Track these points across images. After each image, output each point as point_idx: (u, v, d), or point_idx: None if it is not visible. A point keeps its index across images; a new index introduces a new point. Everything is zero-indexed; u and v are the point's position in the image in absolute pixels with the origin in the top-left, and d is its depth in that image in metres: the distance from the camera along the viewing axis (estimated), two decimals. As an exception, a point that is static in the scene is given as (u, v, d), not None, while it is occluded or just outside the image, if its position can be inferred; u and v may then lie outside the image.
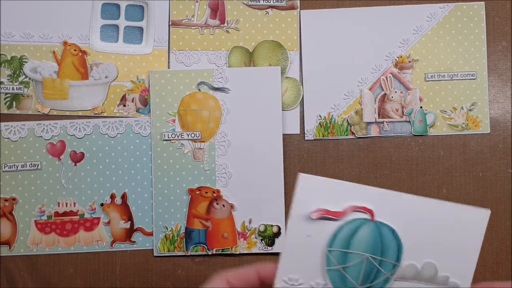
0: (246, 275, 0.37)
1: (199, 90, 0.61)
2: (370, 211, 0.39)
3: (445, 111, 0.62)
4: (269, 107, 0.60)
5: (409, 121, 0.61)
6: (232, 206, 0.60)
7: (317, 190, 0.39)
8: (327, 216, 0.39)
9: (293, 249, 0.39)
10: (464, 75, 0.61)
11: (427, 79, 0.62)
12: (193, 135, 0.60)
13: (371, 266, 0.39)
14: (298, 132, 0.62)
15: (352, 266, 0.40)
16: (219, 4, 0.62)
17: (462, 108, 0.61)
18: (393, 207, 0.39)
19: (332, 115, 0.62)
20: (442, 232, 0.39)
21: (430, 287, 0.39)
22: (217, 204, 0.60)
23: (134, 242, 0.61)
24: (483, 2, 0.61)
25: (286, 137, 0.61)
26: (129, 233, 0.61)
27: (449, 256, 0.39)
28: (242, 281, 0.37)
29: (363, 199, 0.39)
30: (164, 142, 0.60)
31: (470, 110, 0.61)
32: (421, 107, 0.61)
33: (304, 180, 0.38)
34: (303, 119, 0.62)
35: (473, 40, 0.61)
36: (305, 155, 0.62)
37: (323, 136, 0.62)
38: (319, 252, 0.39)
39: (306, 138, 0.62)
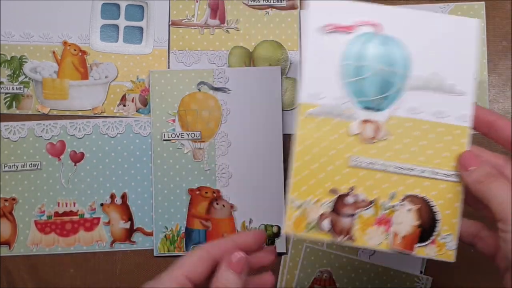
0: (224, 245, 0.42)
1: (199, 90, 0.61)
2: (377, 25, 0.43)
3: (446, 111, 0.61)
4: (270, 107, 0.60)
5: None
6: (232, 206, 0.60)
7: (328, 10, 0.43)
8: (338, 30, 0.43)
9: (311, 66, 0.43)
10: (465, 75, 0.61)
11: (427, 79, 0.61)
12: (193, 135, 0.60)
13: (384, 77, 0.43)
14: (298, 132, 0.62)
15: (367, 78, 0.43)
16: (219, 4, 0.62)
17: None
18: (398, 22, 0.43)
19: (332, 115, 0.61)
20: (442, 43, 0.44)
21: (438, 92, 0.44)
22: (217, 204, 0.60)
23: (134, 242, 0.61)
24: (483, 2, 0.61)
25: (286, 137, 0.61)
26: (129, 233, 0.61)
27: (450, 65, 0.43)
28: (221, 250, 0.41)
29: (370, 15, 0.43)
30: (164, 142, 0.60)
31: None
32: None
33: (315, 3, 0.42)
34: (303, 119, 0.62)
35: None
36: (305, 155, 0.62)
37: (323, 136, 0.61)
38: (335, 66, 0.43)
39: (306, 138, 0.62)
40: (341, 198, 0.44)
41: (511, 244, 0.37)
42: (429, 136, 0.44)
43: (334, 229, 0.44)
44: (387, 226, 0.44)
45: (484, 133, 0.44)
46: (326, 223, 0.44)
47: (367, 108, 0.44)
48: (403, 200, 0.44)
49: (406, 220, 0.44)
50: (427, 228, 0.44)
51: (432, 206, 0.44)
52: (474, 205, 0.43)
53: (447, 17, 0.46)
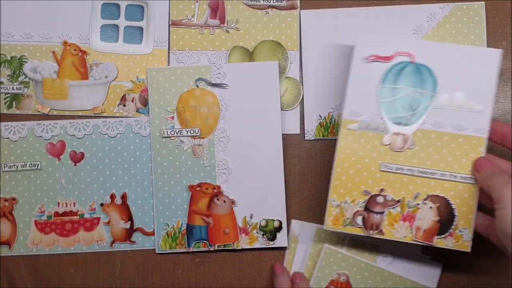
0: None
1: (197, 86, 0.61)
2: (411, 55, 0.54)
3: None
4: (268, 102, 0.60)
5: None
6: (233, 202, 0.60)
7: (373, 43, 0.54)
8: (378, 59, 0.54)
9: (354, 89, 0.54)
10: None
11: (428, 79, 0.62)
12: (192, 131, 0.60)
13: (414, 97, 0.54)
14: (298, 132, 0.62)
15: (399, 98, 0.54)
16: (219, 4, 0.62)
17: (463, 107, 0.62)
18: (429, 52, 0.54)
19: (332, 115, 0.61)
20: (466, 69, 0.53)
21: (459, 110, 0.53)
22: (218, 200, 0.60)
23: (134, 242, 0.61)
24: (483, 2, 0.61)
25: (286, 137, 0.61)
26: (129, 233, 0.61)
27: (472, 88, 0.53)
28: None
29: (406, 47, 0.54)
30: (163, 139, 0.60)
31: (471, 109, 0.62)
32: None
33: (363, 38, 0.54)
34: (303, 119, 0.62)
35: (473, 40, 0.61)
36: (305, 155, 0.62)
37: (323, 136, 0.61)
38: (374, 89, 0.54)
39: (306, 138, 0.62)
40: (372, 198, 0.54)
41: (505, 219, 0.45)
42: (450, 146, 0.53)
43: (366, 224, 0.54)
44: (412, 221, 0.53)
45: (499, 143, 0.53)
46: (359, 219, 0.54)
47: (398, 123, 0.54)
48: (425, 199, 0.53)
49: (428, 216, 0.53)
50: (445, 222, 0.53)
51: (450, 204, 0.53)
52: (488, 204, 0.52)
53: (472, 48, 0.57)
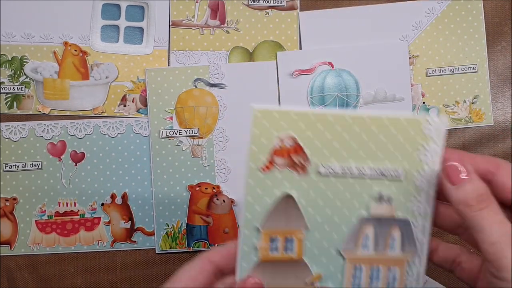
0: (228, 250, 0.38)
1: (196, 86, 0.61)
2: (330, 63, 0.60)
3: (448, 106, 0.62)
4: (266, 102, 0.60)
5: None
6: (232, 201, 0.60)
7: (292, 59, 0.60)
8: (303, 73, 0.60)
9: (287, 104, 0.57)
10: (465, 69, 0.62)
11: (428, 75, 0.62)
12: (191, 131, 0.60)
13: (342, 100, 0.59)
14: (298, 132, 0.62)
15: (329, 104, 0.59)
16: (219, 4, 0.62)
17: (464, 101, 0.62)
18: (345, 56, 0.59)
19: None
20: (381, 64, 0.59)
21: (384, 104, 0.58)
22: (217, 199, 0.60)
23: (135, 242, 0.61)
24: (480, -1, 0.62)
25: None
26: (130, 233, 0.61)
27: (390, 80, 0.59)
28: (226, 257, 0.38)
29: (323, 56, 0.60)
30: (162, 139, 0.61)
31: (472, 103, 0.62)
32: (423, 103, 0.62)
33: (282, 56, 0.60)
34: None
35: (472, 33, 0.62)
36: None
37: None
38: (305, 100, 0.60)
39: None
40: None
41: None
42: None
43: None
44: None
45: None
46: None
47: None
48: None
49: None
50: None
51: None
52: (451, 229, 0.39)
53: (380, 43, 0.61)
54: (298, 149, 0.38)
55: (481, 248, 0.32)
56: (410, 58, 0.62)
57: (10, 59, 0.62)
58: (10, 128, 0.61)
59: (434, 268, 0.41)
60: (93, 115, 0.62)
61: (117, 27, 0.63)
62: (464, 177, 0.33)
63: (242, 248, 0.37)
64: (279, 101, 0.61)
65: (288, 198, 0.38)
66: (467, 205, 0.33)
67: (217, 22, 0.62)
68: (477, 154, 0.37)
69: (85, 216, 0.61)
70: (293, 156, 0.37)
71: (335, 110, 0.40)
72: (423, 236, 0.37)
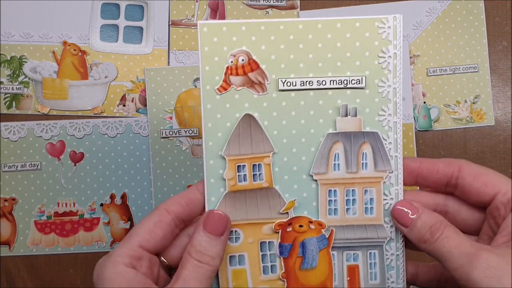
0: (186, 197, 0.36)
1: (195, 86, 0.61)
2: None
3: (449, 105, 0.62)
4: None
5: (413, 117, 0.61)
6: (231, 204, 0.60)
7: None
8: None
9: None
10: (466, 68, 0.61)
11: (429, 74, 0.62)
12: (190, 131, 0.60)
13: None
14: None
15: None
16: (219, 4, 0.62)
17: (465, 101, 0.62)
18: None
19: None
20: None
21: None
22: (217, 203, 0.60)
23: (134, 242, 0.61)
24: (481, -1, 0.61)
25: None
26: (129, 233, 0.61)
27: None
28: (184, 205, 0.36)
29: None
30: (162, 139, 0.60)
31: (473, 103, 0.61)
32: (424, 102, 0.61)
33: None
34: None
35: (473, 33, 0.61)
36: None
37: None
38: None
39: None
40: None
41: None
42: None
43: None
44: None
45: (413, 184, 0.38)
46: None
47: None
48: None
49: None
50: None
51: None
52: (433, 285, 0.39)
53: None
54: (253, 65, 0.35)
55: (454, 277, 0.32)
56: (410, 57, 0.62)
57: (9, 58, 0.61)
58: (9, 128, 0.61)
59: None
60: (92, 115, 0.61)
61: (116, 27, 0.62)
62: (413, 217, 0.34)
63: (208, 181, 0.35)
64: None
65: (250, 120, 0.35)
66: (423, 241, 0.33)
67: (217, 22, 0.62)
68: (437, 159, 0.37)
69: (84, 217, 0.61)
70: (249, 74, 0.35)
71: (286, 19, 0.35)
72: (396, 152, 0.36)
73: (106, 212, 0.61)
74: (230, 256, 0.36)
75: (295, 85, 0.35)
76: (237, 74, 0.35)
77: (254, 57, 0.35)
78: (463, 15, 0.62)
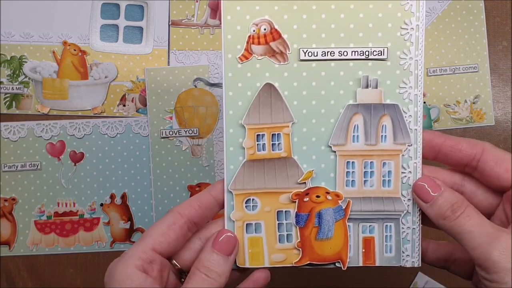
0: (199, 201, 0.37)
1: (195, 86, 0.61)
2: None
3: (449, 105, 0.62)
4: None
5: None
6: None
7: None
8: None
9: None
10: (466, 68, 0.61)
11: (429, 74, 0.62)
12: (190, 131, 0.60)
13: None
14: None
15: None
16: (219, 3, 0.62)
17: (465, 101, 0.61)
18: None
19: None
20: None
21: None
22: (217, 200, 0.60)
23: (134, 242, 0.61)
24: (481, -1, 0.61)
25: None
26: (129, 233, 0.61)
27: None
28: (197, 208, 0.36)
29: None
30: (162, 139, 0.60)
31: (473, 103, 0.61)
32: (424, 102, 0.61)
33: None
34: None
35: (473, 33, 0.61)
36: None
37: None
38: None
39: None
40: None
41: None
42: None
43: None
44: None
45: (433, 159, 0.38)
46: None
47: None
48: None
49: None
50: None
51: None
52: (440, 264, 0.40)
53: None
54: (275, 34, 0.35)
55: (470, 255, 0.33)
56: (410, 57, 0.62)
57: (9, 58, 0.61)
58: (9, 128, 0.61)
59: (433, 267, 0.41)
60: (92, 115, 0.61)
61: (116, 27, 0.62)
62: (434, 194, 0.34)
63: (227, 149, 0.36)
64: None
65: (271, 89, 0.35)
66: (443, 217, 0.34)
67: (217, 22, 0.62)
68: (462, 137, 0.37)
69: (84, 217, 0.61)
70: (271, 43, 0.35)
71: None
72: (415, 125, 0.36)
73: (106, 212, 0.61)
74: (247, 224, 0.36)
75: (317, 55, 0.35)
76: (258, 43, 0.35)
77: (276, 27, 0.35)
78: (463, 15, 0.61)
